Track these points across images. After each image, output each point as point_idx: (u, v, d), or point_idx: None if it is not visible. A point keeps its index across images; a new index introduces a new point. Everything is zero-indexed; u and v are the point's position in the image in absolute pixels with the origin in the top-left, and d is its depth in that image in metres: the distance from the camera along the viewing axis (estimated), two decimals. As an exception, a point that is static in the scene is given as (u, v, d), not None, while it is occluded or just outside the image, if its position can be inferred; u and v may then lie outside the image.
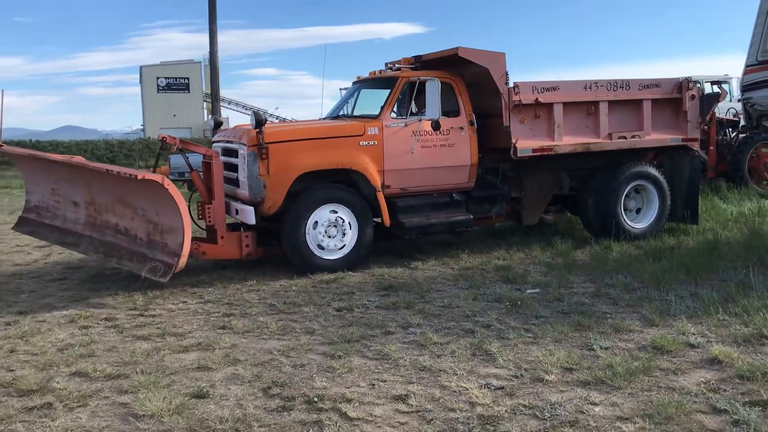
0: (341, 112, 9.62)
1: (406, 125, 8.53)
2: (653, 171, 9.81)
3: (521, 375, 4.70)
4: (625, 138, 9.44)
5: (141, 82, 66.77)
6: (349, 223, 8.23)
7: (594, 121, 9.31)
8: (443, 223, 8.74)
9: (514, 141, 8.82)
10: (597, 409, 4.10)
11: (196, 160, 8.93)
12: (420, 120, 8.53)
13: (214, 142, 9.35)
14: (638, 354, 5.01)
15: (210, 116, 19.65)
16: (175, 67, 66.61)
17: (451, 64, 9.10)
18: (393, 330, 5.83)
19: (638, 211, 9.92)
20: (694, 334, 5.40)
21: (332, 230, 8.17)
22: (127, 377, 4.83)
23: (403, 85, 8.73)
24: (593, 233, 9.74)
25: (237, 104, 66.73)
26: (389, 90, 8.77)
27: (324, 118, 9.85)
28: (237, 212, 8.26)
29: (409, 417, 4.09)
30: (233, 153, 8.36)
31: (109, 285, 7.80)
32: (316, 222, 8.08)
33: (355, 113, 9.37)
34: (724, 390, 4.33)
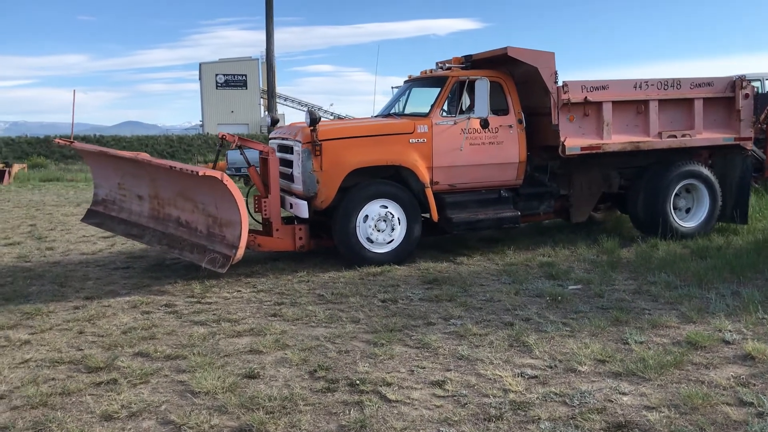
0: (393, 110, 9.86)
1: (455, 123, 8.73)
2: (704, 170, 9.76)
3: (555, 365, 4.88)
4: (675, 137, 9.42)
5: (200, 78, 68.20)
6: (398, 218, 8.49)
7: (644, 119, 9.33)
8: (490, 219, 8.91)
9: (562, 139, 8.93)
10: (625, 398, 4.27)
11: (253, 155, 9.28)
12: (469, 118, 8.72)
13: (270, 138, 9.70)
14: (672, 348, 5.13)
15: (267, 113, 20.13)
16: (233, 64, 67.86)
17: (501, 63, 9.26)
18: (435, 321, 6.07)
19: (688, 210, 9.90)
20: (731, 331, 5.49)
21: (382, 224, 8.44)
22: (185, 358, 5.20)
23: (452, 84, 8.93)
24: (642, 231, 9.77)
25: (293, 101, 67.64)
26: (439, 89, 8.98)
27: (376, 116, 10.12)
28: (291, 206, 8.60)
29: (444, 401, 4.33)
30: (288, 149, 8.71)
31: (169, 274, 8.26)
32: (366, 216, 8.36)
33: (407, 111, 9.60)
34: (754, 384, 4.43)
